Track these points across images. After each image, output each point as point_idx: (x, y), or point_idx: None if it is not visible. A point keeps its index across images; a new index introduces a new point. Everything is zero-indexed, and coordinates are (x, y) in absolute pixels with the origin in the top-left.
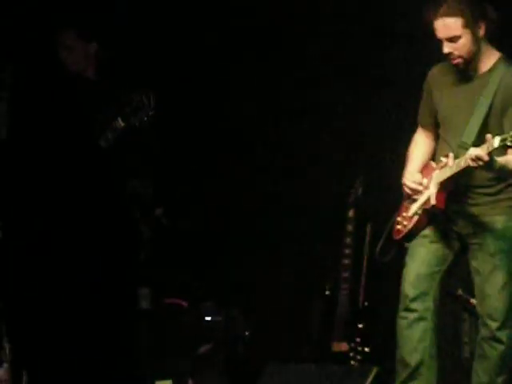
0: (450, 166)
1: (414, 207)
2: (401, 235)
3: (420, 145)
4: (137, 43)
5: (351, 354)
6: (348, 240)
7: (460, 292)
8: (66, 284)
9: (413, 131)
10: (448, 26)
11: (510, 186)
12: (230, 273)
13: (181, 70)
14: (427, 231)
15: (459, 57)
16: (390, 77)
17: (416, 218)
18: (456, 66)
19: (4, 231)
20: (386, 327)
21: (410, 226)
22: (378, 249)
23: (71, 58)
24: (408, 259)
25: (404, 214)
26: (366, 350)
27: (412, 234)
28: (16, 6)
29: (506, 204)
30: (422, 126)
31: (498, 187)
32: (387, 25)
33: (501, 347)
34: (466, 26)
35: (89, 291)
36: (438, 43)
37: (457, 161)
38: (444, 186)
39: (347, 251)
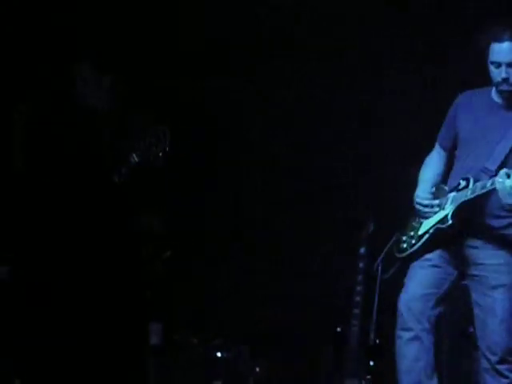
0: (472, 188)
1: (426, 226)
2: (406, 253)
3: (434, 165)
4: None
5: None
6: (359, 277)
7: (472, 330)
8: (74, 320)
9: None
10: None
11: None
12: (240, 309)
13: (196, 107)
14: (430, 254)
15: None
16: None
17: (426, 236)
18: (503, 92)
19: (14, 268)
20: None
21: (419, 244)
22: (376, 265)
23: (87, 91)
24: (407, 280)
25: (411, 233)
26: None
27: (419, 253)
28: (32, 38)
29: (511, 239)
30: (441, 147)
31: (506, 222)
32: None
33: (505, 380)
34: None
35: (96, 328)
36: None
37: (479, 184)
38: (462, 207)
39: (358, 288)
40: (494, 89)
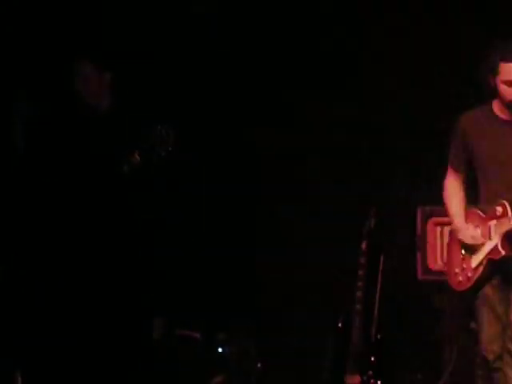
0: (510, 217)
1: (478, 258)
2: (465, 287)
3: (456, 191)
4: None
5: None
6: (361, 272)
7: (473, 325)
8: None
9: (428, 160)
10: None
11: None
12: (244, 305)
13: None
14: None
15: None
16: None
17: (481, 268)
18: None
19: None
20: (398, 360)
21: (476, 276)
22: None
23: (87, 89)
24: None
25: (464, 265)
26: (379, 382)
27: (478, 285)
28: (32, 37)
29: None
30: (455, 171)
31: None
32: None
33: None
34: None
35: (100, 322)
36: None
37: None
38: (507, 235)
39: (360, 284)
40: (494, 104)
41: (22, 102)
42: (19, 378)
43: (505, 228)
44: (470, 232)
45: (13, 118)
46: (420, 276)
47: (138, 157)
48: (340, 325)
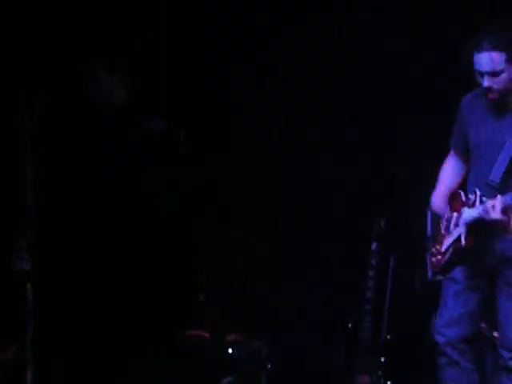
0: (477, 207)
1: (447, 243)
2: (436, 269)
3: (450, 168)
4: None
5: None
6: (371, 273)
7: (482, 325)
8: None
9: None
10: (493, 59)
11: None
12: (254, 305)
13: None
14: (456, 273)
15: (497, 91)
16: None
17: (447, 255)
18: (491, 100)
19: None
20: (408, 360)
21: (443, 261)
22: (417, 280)
23: (98, 90)
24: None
25: (438, 247)
26: (389, 383)
27: (446, 269)
28: (47, 38)
29: None
30: (455, 152)
31: None
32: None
33: None
34: (509, 61)
35: None
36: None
37: (483, 207)
38: (472, 226)
39: (370, 284)
40: None
41: (33, 102)
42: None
43: (470, 218)
44: (441, 208)
45: (23, 117)
46: (430, 277)
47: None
48: (350, 325)
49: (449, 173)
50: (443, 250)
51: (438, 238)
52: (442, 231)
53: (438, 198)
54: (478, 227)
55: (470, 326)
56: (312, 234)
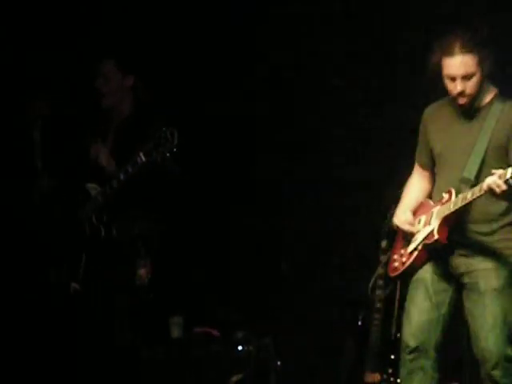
0: (454, 200)
1: (414, 243)
2: (398, 272)
3: (415, 184)
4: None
5: None
6: (381, 271)
7: None
8: None
9: None
10: (466, 63)
11: (504, 226)
12: (263, 302)
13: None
14: (422, 274)
15: (469, 96)
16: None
17: (416, 253)
18: (460, 106)
19: None
20: None
21: (409, 262)
22: (370, 286)
23: (107, 89)
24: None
25: (402, 252)
26: (398, 381)
27: (410, 271)
28: (60, 34)
29: (500, 245)
30: (420, 166)
31: (493, 227)
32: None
33: None
34: (480, 63)
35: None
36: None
37: (461, 195)
38: (447, 220)
39: (380, 282)
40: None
41: (41, 100)
42: None
43: (445, 212)
44: (406, 217)
45: (31, 118)
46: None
47: (142, 157)
48: (360, 323)
49: (414, 189)
50: (409, 250)
51: (398, 244)
52: (405, 236)
53: (402, 211)
54: (452, 221)
55: (438, 333)
56: (321, 231)
